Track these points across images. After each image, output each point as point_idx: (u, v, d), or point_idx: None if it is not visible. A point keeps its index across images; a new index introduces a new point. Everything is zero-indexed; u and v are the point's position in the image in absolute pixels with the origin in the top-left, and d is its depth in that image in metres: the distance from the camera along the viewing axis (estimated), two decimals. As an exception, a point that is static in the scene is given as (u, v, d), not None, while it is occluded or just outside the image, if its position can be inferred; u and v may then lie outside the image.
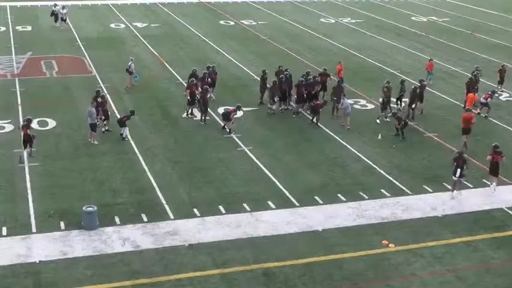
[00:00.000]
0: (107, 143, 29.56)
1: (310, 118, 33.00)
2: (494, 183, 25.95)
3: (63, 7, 54.29)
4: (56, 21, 53.57)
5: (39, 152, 28.24)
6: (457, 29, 57.44)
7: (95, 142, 29.31)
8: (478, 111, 34.68)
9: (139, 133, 30.80)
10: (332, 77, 37.74)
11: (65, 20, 53.79)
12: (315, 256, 21.13)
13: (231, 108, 31.91)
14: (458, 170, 25.19)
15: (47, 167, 26.93)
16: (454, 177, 25.34)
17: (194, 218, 23.27)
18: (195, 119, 32.97)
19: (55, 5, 54.55)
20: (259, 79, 36.25)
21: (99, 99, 30.66)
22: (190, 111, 33.17)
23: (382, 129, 32.02)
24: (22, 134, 28.24)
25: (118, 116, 30.98)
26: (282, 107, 34.55)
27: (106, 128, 30.70)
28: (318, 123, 32.46)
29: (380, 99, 33.56)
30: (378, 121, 33.16)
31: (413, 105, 33.37)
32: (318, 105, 32.71)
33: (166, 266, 20.32)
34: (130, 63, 37.84)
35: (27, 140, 27.94)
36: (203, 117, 32.32)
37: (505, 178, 27.12)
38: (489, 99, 34.43)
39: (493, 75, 39.41)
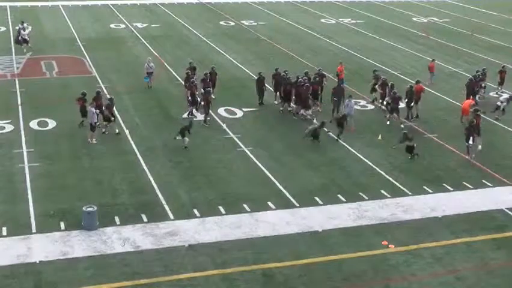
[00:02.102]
0: (107, 143, 29.56)
1: (335, 136, 31.19)
2: (479, 144, 29.55)
3: (24, 28, 46.49)
4: (20, 44, 45.88)
5: (39, 153, 28.25)
6: (458, 30, 57.44)
7: (94, 141, 29.31)
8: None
9: (139, 133, 30.79)
10: (331, 77, 37.73)
11: (27, 42, 45.90)
12: (314, 257, 21.13)
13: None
14: (471, 138, 28.76)
15: (47, 167, 26.93)
16: (467, 143, 28.94)
17: (194, 219, 23.27)
18: (195, 119, 32.96)
19: (22, 22, 47.40)
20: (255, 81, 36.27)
21: (107, 102, 30.61)
22: (190, 111, 33.14)
23: (382, 130, 31.96)
24: (79, 106, 30.87)
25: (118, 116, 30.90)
26: (285, 107, 34.52)
27: (104, 130, 30.53)
28: (339, 137, 30.94)
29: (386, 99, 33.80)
30: (388, 123, 32.89)
31: (411, 105, 33.39)
32: (340, 118, 31.26)
33: (166, 267, 20.32)
34: (146, 64, 38.18)
35: (84, 112, 30.51)
36: (206, 119, 32.25)
37: (504, 179, 27.18)
38: (504, 104, 34.28)
39: (493, 76, 39.38)
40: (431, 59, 41.99)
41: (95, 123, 29.59)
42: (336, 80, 37.42)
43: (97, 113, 30.03)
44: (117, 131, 30.41)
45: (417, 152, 28.95)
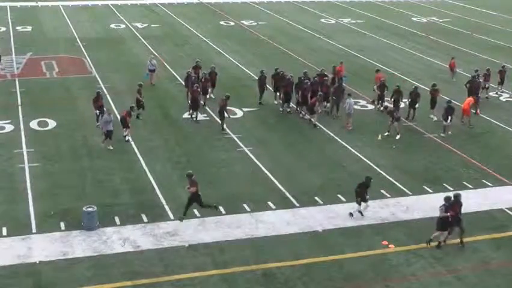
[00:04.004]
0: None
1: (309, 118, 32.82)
2: (432, 115, 33.71)
3: None
4: None
5: (40, 153, 28.24)
6: (458, 30, 57.44)
7: (110, 147, 28.77)
8: (477, 112, 34.67)
9: (139, 133, 30.77)
10: (329, 76, 37.71)
11: None
12: (315, 257, 21.12)
13: (222, 100, 31.66)
14: (449, 117, 31.29)
15: (47, 168, 26.92)
16: (445, 122, 31.58)
17: (194, 219, 23.26)
18: (195, 119, 32.95)
19: None
20: (257, 79, 36.29)
21: (128, 109, 30.18)
22: (190, 112, 33.01)
23: (382, 130, 31.90)
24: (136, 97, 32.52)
25: (118, 116, 30.77)
26: (284, 108, 34.41)
27: (126, 134, 29.86)
28: (316, 123, 32.25)
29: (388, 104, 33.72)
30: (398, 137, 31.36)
31: (416, 106, 33.31)
32: (313, 103, 32.54)
33: (166, 267, 20.32)
34: (148, 61, 38.33)
35: (139, 104, 32.21)
36: (223, 126, 31.64)
37: (504, 179, 27.18)
38: None
39: (493, 75, 39.33)
40: (451, 57, 42.12)
41: (112, 130, 28.79)
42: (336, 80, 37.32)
43: (96, 113, 29.94)
44: (127, 138, 29.85)
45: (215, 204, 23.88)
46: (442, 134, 31.62)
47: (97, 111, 30.55)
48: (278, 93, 35.28)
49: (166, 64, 43.06)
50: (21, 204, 23.88)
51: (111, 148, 28.83)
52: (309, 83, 33.91)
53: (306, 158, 28.83)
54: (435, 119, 33.40)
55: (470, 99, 33.86)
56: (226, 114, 31.42)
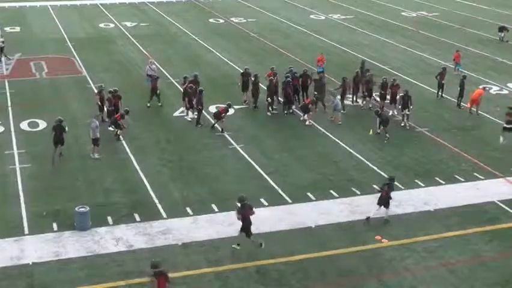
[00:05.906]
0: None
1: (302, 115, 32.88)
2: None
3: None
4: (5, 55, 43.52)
5: (31, 154, 28.14)
6: (447, 24, 57.52)
7: (96, 156, 28.01)
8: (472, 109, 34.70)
9: (131, 132, 30.70)
10: (313, 68, 37.50)
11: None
12: (308, 253, 21.13)
13: (222, 106, 31.88)
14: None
15: (38, 168, 26.82)
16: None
17: (187, 217, 23.26)
18: (185, 117, 32.93)
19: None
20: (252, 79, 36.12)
21: (123, 112, 30.32)
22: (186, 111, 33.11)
23: (373, 124, 31.94)
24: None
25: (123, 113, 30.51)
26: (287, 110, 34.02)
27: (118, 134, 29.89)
28: (307, 122, 32.25)
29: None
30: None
31: (411, 107, 33.23)
32: (308, 103, 32.63)
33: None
34: (147, 66, 37.86)
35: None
36: (214, 125, 31.61)
37: (495, 171, 27.28)
38: None
39: (484, 69, 39.50)
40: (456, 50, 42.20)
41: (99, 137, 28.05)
42: (317, 73, 37.11)
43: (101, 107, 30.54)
44: (121, 138, 29.89)
45: None
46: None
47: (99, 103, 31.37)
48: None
49: (156, 63, 42.86)
50: (13, 205, 23.79)
51: (97, 156, 27.96)
52: (290, 81, 33.71)
53: (298, 154, 28.84)
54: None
55: (481, 91, 33.98)
56: (222, 119, 31.18)
